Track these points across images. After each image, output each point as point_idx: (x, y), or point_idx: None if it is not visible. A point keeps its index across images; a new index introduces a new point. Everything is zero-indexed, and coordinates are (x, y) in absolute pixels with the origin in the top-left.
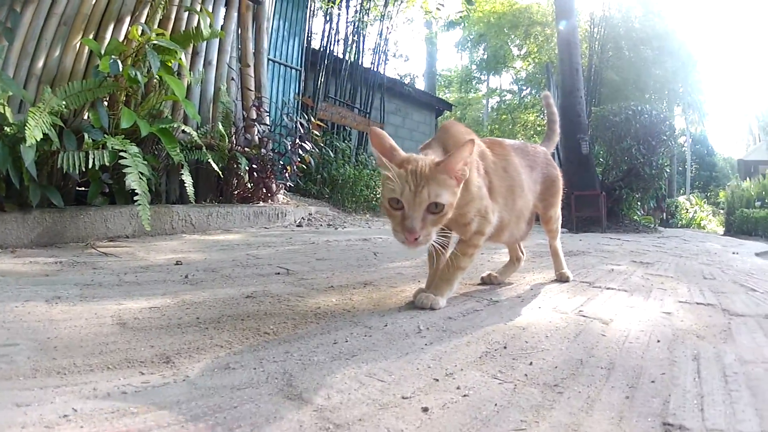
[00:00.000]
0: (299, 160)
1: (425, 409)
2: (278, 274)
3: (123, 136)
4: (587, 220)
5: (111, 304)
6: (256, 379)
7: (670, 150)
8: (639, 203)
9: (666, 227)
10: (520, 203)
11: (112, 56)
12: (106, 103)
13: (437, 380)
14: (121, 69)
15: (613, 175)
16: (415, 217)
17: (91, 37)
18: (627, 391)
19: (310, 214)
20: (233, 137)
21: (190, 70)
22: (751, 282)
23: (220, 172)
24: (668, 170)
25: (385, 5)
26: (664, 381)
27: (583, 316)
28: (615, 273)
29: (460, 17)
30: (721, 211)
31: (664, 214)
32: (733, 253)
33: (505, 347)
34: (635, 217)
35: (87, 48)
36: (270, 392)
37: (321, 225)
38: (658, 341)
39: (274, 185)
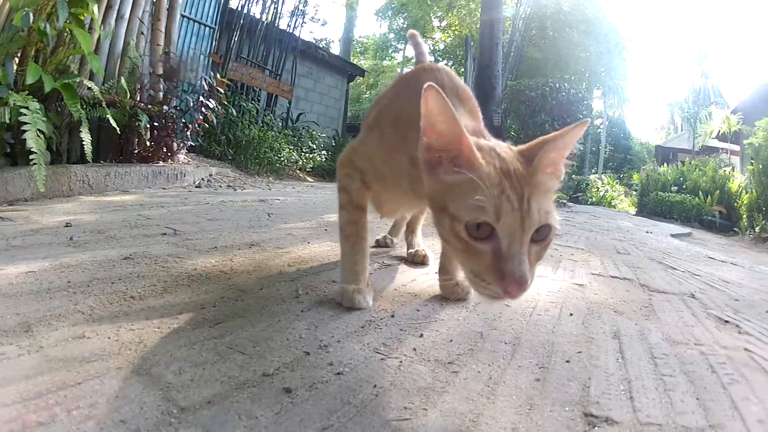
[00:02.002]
0: (201, 118)
1: (288, 390)
2: (164, 234)
3: (27, 92)
4: None
5: None
6: (109, 350)
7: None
8: None
9: (576, 203)
10: None
11: (26, 9)
12: (17, 59)
13: (308, 354)
14: (32, 22)
15: None
16: (522, 254)
17: None
18: (537, 372)
19: (211, 175)
20: (137, 93)
21: (101, 24)
22: (669, 260)
23: (120, 130)
24: (581, 148)
25: None
26: (582, 361)
27: None
28: None
29: None
30: (634, 193)
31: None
32: (647, 232)
33: (392, 316)
34: None
35: (8, 5)
36: (119, 365)
37: (221, 186)
38: (571, 314)
39: (174, 144)
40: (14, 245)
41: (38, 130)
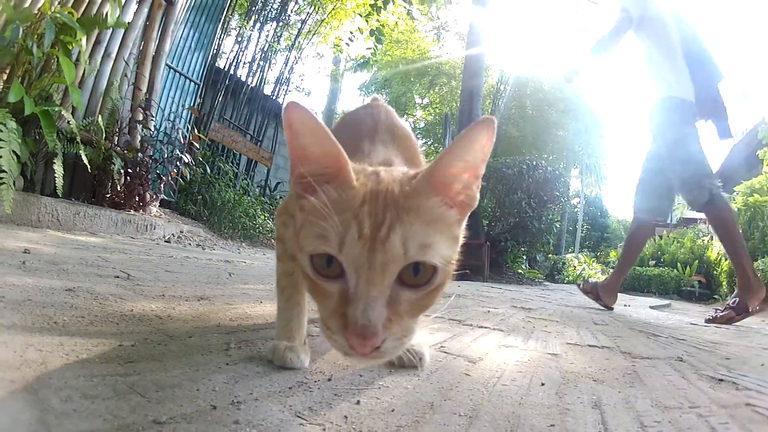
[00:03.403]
0: (176, 172)
1: None
2: (117, 277)
3: (7, 110)
4: (467, 269)
5: None
6: (10, 362)
7: (561, 207)
8: (525, 256)
9: (552, 282)
10: None
11: (17, 22)
12: (4, 77)
13: (215, 408)
14: (20, 35)
15: (499, 226)
16: (372, 299)
17: (12, 4)
18: None
19: (182, 232)
20: (114, 136)
21: (88, 58)
22: (651, 328)
23: (93, 171)
24: (557, 226)
25: (297, 36)
26: None
27: (445, 352)
28: (491, 314)
29: (370, 55)
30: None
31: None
32: (625, 305)
33: (329, 379)
34: (520, 270)
35: (4, 17)
36: (13, 379)
37: (190, 244)
38: (543, 384)
39: (147, 195)
40: None
41: (13, 151)
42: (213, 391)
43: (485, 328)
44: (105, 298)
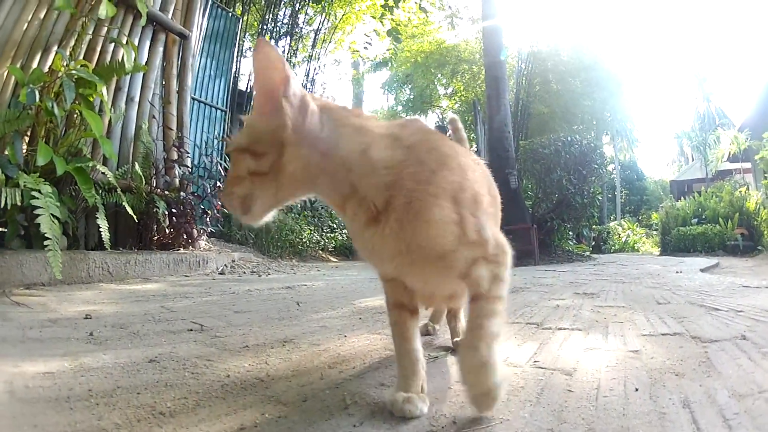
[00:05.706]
0: (220, 204)
1: None
2: (191, 330)
3: (38, 174)
4: (519, 254)
5: (8, 366)
6: None
7: (601, 178)
8: (571, 233)
9: (599, 253)
10: None
11: (31, 86)
12: (27, 139)
13: None
14: (38, 99)
15: (543, 207)
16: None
17: (18, 65)
18: None
19: (233, 261)
20: (153, 179)
21: (111, 107)
22: (708, 301)
23: (137, 217)
24: (600, 198)
25: (313, 46)
26: None
27: (540, 367)
28: (561, 309)
29: (389, 56)
30: (655, 233)
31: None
32: (677, 272)
33: (454, 422)
34: (568, 248)
35: (13, 78)
36: None
37: (244, 272)
38: (636, 389)
39: (195, 231)
40: (31, 337)
41: (52, 215)
42: None
43: (564, 329)
44: (193, 363)
